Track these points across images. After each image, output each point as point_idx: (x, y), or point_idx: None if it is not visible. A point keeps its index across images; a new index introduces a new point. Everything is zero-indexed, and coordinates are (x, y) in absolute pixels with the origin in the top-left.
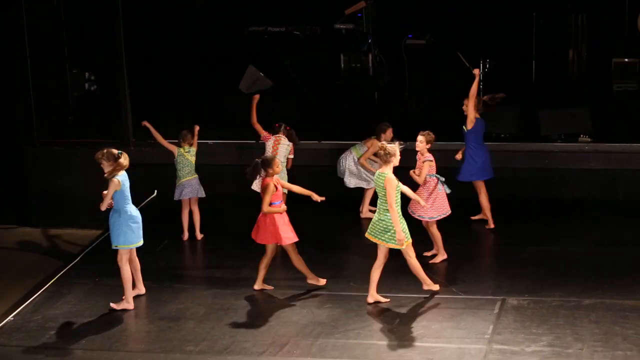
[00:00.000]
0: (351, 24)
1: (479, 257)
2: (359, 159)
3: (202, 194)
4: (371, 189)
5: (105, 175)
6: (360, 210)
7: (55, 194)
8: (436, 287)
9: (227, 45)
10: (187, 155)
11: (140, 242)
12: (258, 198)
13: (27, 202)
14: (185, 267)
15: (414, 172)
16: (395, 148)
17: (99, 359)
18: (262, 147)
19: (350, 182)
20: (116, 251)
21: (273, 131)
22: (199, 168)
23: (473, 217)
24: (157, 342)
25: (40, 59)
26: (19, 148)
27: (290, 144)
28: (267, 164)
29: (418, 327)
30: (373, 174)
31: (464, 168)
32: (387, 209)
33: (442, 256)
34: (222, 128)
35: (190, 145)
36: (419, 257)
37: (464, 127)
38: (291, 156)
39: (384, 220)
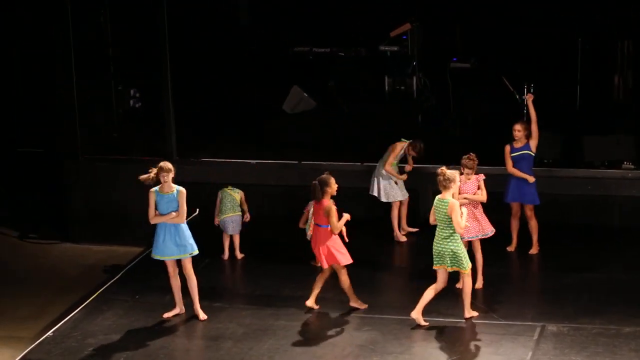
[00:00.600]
0: (396, 46)
1: (519, 282)
2: (384, 167)
3: (238, 231)
4: (405, 205)
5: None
6: (396, 234)
7: (98, 210)
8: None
9: (272, 65)
10: (231, 192)
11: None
12: (297, 218)
13: (69, 218)
14: (224, 287)
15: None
16: (455, 174)
17: None
18: (302, 168)
19: (382, 195)
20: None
21: None
22: (240, 186)
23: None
24: None
25: (86, 75)
26: (63, 163)
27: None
28: (325, 183)
29: (457, 352)
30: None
31: (533, 190)
32: (449, 236)
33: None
34: (264, 147)
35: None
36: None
37: (529, 152)
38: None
39: (449, 248)
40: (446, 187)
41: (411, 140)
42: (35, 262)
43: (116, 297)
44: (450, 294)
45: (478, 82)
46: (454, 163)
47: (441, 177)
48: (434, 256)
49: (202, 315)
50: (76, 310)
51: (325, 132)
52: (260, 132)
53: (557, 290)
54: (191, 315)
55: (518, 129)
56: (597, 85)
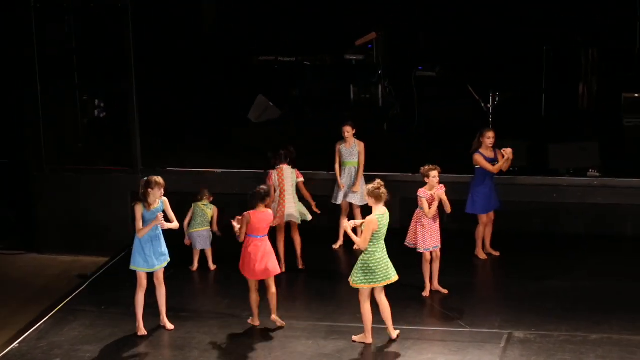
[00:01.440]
0: (361, 54)
1: (485, 290)
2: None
3: (209, 246)
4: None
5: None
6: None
7: (64, 220)
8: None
9: (237, 74)
10: (203, 208)
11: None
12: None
13: (34, 228)
14: (191, 296)
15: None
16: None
17: None
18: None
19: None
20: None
21: (273, 164)
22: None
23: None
24: None
25: (50, 85)
26: (28, 174)
27: (295, 170)
28: (254, 197)
29: (424, 359)
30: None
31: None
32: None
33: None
34: (230, 156)
35: (209, 200)
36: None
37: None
38: (300, 179)
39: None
40: (382, 199)
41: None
42: (0, 273)
43: (82, 307)
44: (416, 303)
45: (443, 91)
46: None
47: (382, 189)
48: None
49: (169, 325)
50: (42, 321)
51: (290, 141)
52: (226, 141)
53: (523, 297)
54: (157, 325)
55: (489, 137)
56: (562, 93)
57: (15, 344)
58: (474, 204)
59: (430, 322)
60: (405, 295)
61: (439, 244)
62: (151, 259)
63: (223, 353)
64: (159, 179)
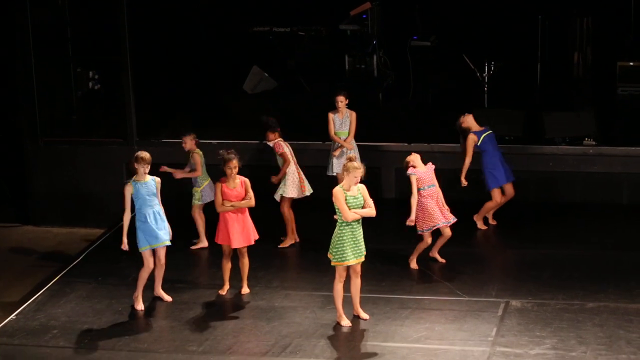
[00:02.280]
0: (356, 25)
1: (482, 259)
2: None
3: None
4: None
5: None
6: None
7: (58, 192)
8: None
9: (231, 45)
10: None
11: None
12: (267, 199)
13: (29, 201)
14: (187, 268)
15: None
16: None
17: (101, 358)
18: (267, 148)
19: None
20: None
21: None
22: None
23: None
24: (160, 341)
25: (44, 58)
26: (22, 146)
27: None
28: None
29: (421, 328)
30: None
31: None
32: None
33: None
34: (226, 128)
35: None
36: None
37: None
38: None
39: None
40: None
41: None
42: None
43: (79, 279)
44: (413, 272)
45: (438, 60)
46: (415, 140)
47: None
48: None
49: (167, 297)
50: (39, 293)
51: (286, 111)
52: (221, 112)
53: (519, 266)
54: (153, 296)
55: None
56: (557, 62)
57: (12, 317)
58: (494, 177)
59: (428, 291)
60: (402, 264)
61: (436, 223)
62: (157, 233)
63: (220, 324)
64: (143, 154)
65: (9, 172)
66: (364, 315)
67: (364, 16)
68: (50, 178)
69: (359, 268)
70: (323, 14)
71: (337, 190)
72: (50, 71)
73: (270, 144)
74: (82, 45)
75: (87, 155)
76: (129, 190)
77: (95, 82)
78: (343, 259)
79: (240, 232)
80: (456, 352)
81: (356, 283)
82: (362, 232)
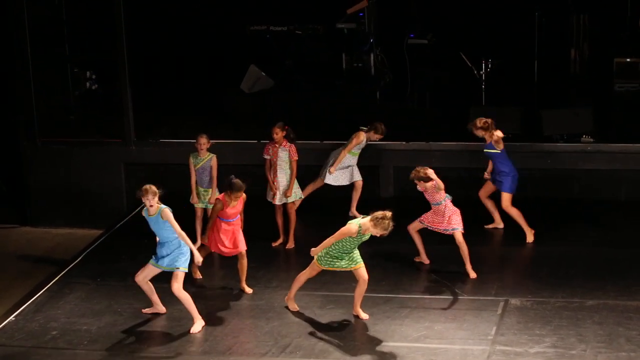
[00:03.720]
0: (353, 23)
1: (481, 258)
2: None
3: None
4: (358, 186)
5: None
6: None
7: (56, 193)
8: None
9: (228, 45)
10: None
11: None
12: (255, 197)
13: (28, 201)
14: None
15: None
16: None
17: (100, 359)
18: (261, 147)
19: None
20: None
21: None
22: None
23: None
24: (160, 343)
25: (41, 57)
26: (20, 146)
27: (289, 147)
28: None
29: (421, 327)
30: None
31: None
32: None
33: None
34: (223, 127)
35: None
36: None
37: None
38: (295, 158)
39: None
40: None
41: (369, 126)
42: None
43: (78, 280)
44: (413, 272)
45: (435, 58)
46: (413, 139)
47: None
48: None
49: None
50: (38, 294)
51: (283, 111)
52: (218, 111)
53: (518, 264)
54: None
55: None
56: (554, 59)
57: (11, 318)
58: (512, 181)
59: (427, 290)
60: (401, 264)
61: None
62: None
63: (220, 324)
64: (146, 186)
65: (6, 172)
66: (363, 315)
67: (361, 14)
68: (48, 178)
69: (365, 275)
70: (320, 12)
71: (351, 231)
72: (48, 71)
73: (286, 148)
74: (79, 45)
75: (85, 155)
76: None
77: (93, 82)
78: (323, 262)
79: (231, 242)
80: (456, 351)
81: (361, 288)
82: (355, 252)
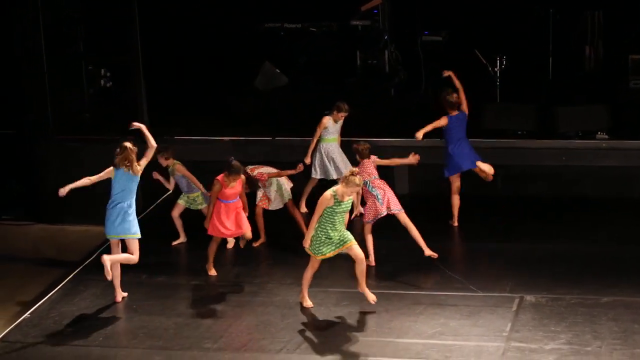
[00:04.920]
0: (367, 20)
1: (496, 255)
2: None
3: None
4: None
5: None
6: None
7: (71, 190)
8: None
9: (243, 42)
10: None
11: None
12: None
13: (42, 199)
14: (201, 264)
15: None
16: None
17: (116, 356)
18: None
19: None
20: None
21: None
22: (214, 163)
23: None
24: (175, 339)
25: (55, 56)
26: (35, 144)
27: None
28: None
29: (436, 324)
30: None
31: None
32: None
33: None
34: (237, 124)
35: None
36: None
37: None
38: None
39: None
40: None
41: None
42: (9, 244)
43: (92, 277)
44: (427, 268)
45: (450, 55)
46: (427, 136)
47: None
48: None
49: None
50: (53, 291)
51: (298, 108)
52: (233, 108)
53: (533, 261)
54: (166, 294)
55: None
56: (569, 56)
57: (26, 314)
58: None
59: (442, 287)
60: (416, 260)
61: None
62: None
63: (235, 321)
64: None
65: (21, 170)
66: (371, 296)
67: (375, 11)
68: (62, 176)
69: (360, 252)
70: (334, 9)
71: (327, 198)
72: (62, 69)
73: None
74: (93, 43)
75: (100, 152)
76: None
77: (107, 80)
78: (317, 252)
79: (233, 224)
80: (471, 347)
81: (360, 267)
82: (343, 229)
